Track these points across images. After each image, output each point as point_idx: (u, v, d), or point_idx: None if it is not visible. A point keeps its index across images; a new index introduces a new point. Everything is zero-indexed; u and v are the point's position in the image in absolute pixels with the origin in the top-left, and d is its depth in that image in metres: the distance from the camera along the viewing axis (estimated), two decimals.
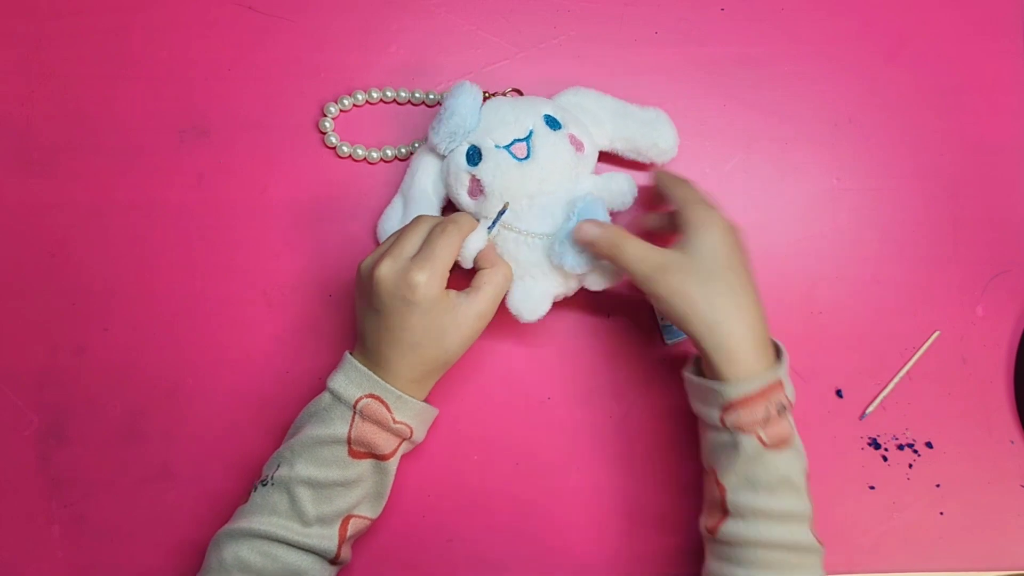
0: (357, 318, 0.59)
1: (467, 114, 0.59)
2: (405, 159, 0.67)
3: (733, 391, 0.53)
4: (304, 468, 0.55)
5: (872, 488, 0.68)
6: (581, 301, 0.67)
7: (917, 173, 0.71)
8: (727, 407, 0.53)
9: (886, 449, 0.68)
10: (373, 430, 0.56)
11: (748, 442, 0.53)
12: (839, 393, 0.68)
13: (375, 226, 0.65)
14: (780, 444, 0.53)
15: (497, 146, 0.59)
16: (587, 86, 0.69)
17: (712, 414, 0.54)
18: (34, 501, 0.65)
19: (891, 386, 0.68)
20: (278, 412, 0.65)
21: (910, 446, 0.68)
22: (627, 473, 0.66)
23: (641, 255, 0.55)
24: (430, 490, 0.66)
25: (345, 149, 0.67)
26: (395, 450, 0.57)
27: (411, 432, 0.57)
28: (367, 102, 0.68)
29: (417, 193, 0.62)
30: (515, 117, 0.60)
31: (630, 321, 0.68)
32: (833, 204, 0.70)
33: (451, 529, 0.65)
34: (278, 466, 0.56)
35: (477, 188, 0.60)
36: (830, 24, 0.71)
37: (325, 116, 0.67)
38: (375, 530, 0.63)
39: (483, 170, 0.59)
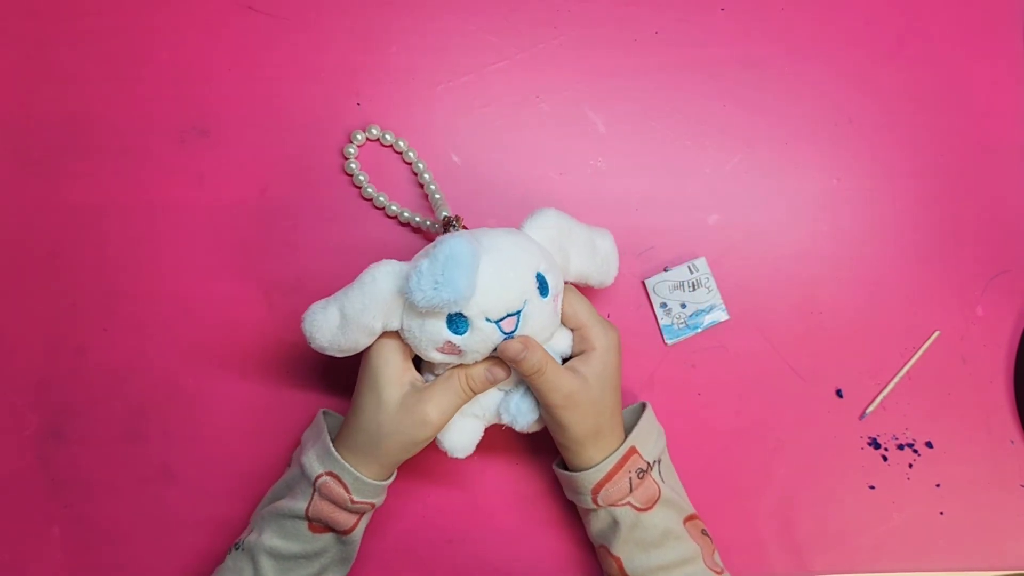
0: (358, 386, 0.57)
1: (466, 290, 0.50)
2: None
3: (595, 475, 0.57)
4: (269, 538, 0.56)
5: (872, 488, 0.68)
6: None
7: (917, 173, 0.71)
8: (595, 490, 0.58)
9: (886, 449, 0.68)
10: (330, 509, 0.56)
11: (624, 513, 0.58)
12: (839, 393, 0.68)
13: (375, 227, 0.65)
14: (651, 503, 0.58)
15: (488, 320, 0.52)
16: (587, 86, 0.69)
17: (586, 499, 0.59)
18: (34, 501, 0.65)
19: (891, 386, 0.68)
20: (278, 412, 0.65)
21: (910, 446, 0.68)
22: None
23: (555, 384, 0.55)
24: (430, 491, 0.66)
25: (370, 191, 0.66)
26: (355, 524, 0.57)
27: (372, 507, 0.58)
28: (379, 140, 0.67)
29: (363, 325, 0.53)
30: (511, 287, 0.52)
31: (630, 321, 0.68)
32: (833, 204, 0.70)
33: (451, 530, 0.65)
34: (250, 531, 0.58)
35: (453, 350, 0.53)
36: (830, 24, 0.71)
37: (351, 142, 0.66)
38: (376, 532, 0.63)
39: (468, 342, 0.53)
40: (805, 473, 0.67)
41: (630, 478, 0.57)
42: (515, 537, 0.66)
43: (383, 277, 0.53)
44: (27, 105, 0.67)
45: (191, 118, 0.68)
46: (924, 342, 0.69)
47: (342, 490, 0.55)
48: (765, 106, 0.70)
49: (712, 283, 0.68)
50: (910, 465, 0.68)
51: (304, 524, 0.56)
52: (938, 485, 0.68)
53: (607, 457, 0.57)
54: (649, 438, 0.60)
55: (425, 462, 0.65)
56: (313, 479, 0.56)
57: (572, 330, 0.58)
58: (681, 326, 0.68)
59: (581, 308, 0.57)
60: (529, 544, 0.66)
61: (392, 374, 0.55)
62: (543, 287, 0.54)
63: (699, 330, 0.68)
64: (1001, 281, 0.70)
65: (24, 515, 0.64)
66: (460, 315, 0.52)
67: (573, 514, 0.66)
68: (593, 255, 0.59)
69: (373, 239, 0.66)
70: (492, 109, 0.69)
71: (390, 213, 0.66)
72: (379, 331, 0.54)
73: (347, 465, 0.55)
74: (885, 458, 0.68)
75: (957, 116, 0.71)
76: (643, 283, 0.68)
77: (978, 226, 0.70)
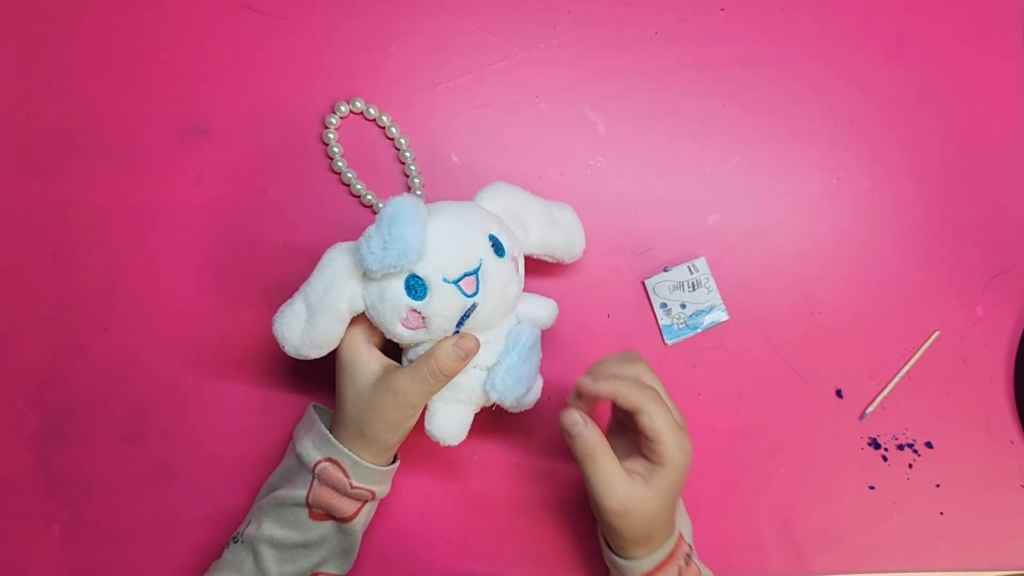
0: (337, 384, 0.57)
1: (415, 244, 0.50)
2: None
3: (647, 563, 0.55)
4: (269, 528, 0.56)
5: (872, 488, 0.68)
6: (581, 301, 0.67)
7: (917, 173, 0.71)
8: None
9: (886, 449, 0.68)
10: (330, 495, 0.56)
11: None
12: (839, 393, 0.68)
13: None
14: None
15: (445, 280, 0.52)
16: (587, 86, 0.69)
17: None
18: (34, 501, 0.65)
19: (891, 386, 0.68)
20: (278, 412, 0.65)
21: (910, 446, 0.68)
22: None
23: (611, 483, 0.53)
24: (430, 490, 0.66)
25: (350, 175, 0.67)
26: (356, 512, 0.57)
27: (372, 495, 0.57)
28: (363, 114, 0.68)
29: (327, 309, 0.53)
30: (464, 245, 0.52)
31: (630, 321, 0.68)
32: (833, 204, 0.70)
33: (451, 530, 0.65)
34: (248, 523, 0.58)
35: (418, 321, 0.53)
36: (830, 24, 0.71)
37: (327, 128, 0.67)
38: (375, 531, 0.63)
39: (429, 306, 0.52)
40: (805, 473, 0.67)
41: (679, 566, 0.56)
42: (515, 537, 0.66)
43: (338, 256, 0.53)
44: (27, 105, 0.67)
45: (191, 118, 0.68)
46: (924, 342, 0.69)
47: (341, 475, 0.56)
48: (765, 106, 0.70)
49: (712, 283, 0.68)
50: (910, 465, 0.68)
51: (304, 512, 0.56)
52: (938, 485, 0.68)
53: (659, 549, 0.55)
54: (685, 518, 0.60)
55: (424, 462, 0.65)
56: (312, 465, 0.56)
57: (650, 441, 0.53)
58: (681, 326, 0.68)
59: (663, 422, 0.52)
60: (529, 544, 0.66)
61: (362, 360, 0.55)
62: (498, 247, 0.54)
63: (699, 330, 0.68)
64: (1001, 281, 0.70)
65: (24, 515, 0.64)
66: (417, 278, 0.51)
67: (573, 514, 0.66)
68: (552, 225, 0.60)
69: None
70: (492, 109, 0.69)
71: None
72: (346, 314, 0.54)
73: (345, 449, 0.55)
74: (885, 458, 0.68)
75: (957, 116, 0.71)
76: (643, 283, 0.68)
77: (978, 226, 0.70)
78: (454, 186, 0.67)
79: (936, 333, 0.69)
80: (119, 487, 0.65)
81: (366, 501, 0.58)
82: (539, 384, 0.61)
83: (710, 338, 0.68)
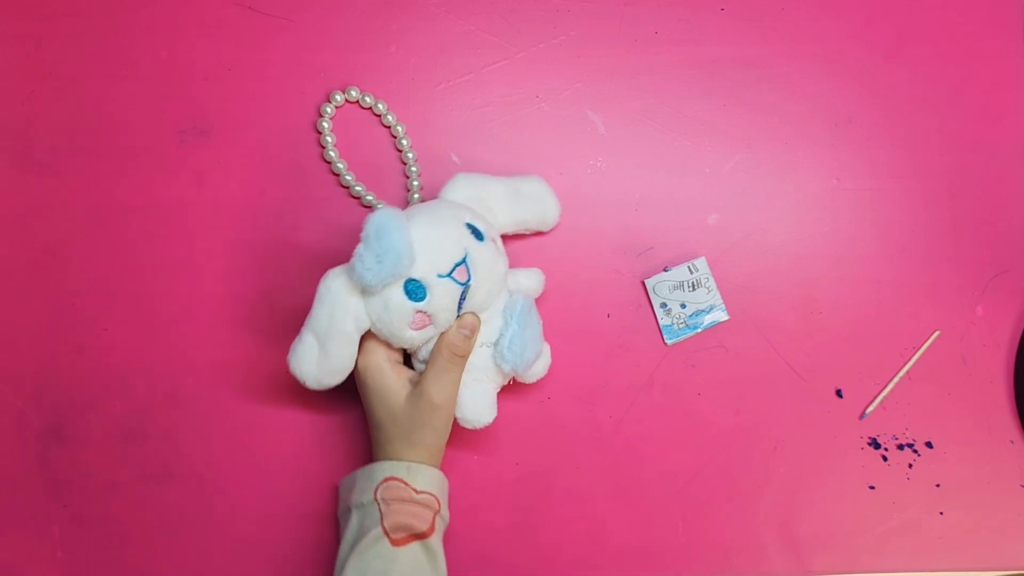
0: (367, 409, 0.60)
1: (406, 251, 0.53)
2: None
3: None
4: None
5: (872, 488, 0.68)
6: (581, 301, 0.67)
7: (917, 173, 0.71)
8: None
9: (886, 449, 0.68)
10: (400, 508, 0.56)
11: None
12: (839, 393, 0.68)
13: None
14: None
15: (440, 275, 0.55)
16: (586, 86, 0.69)
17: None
18: (34, 501, 0.65)
19: (891, 386, 0.68)
20: (277, 412, 0.65)
21: (910, 446, 0.68)
22: (627, 473, 0.66)
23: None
24: None
25: (348, 179, 0.67)
26: (432, 524, 0.57)
27: (438, 502, 0.58)
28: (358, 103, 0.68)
29: (336, 333, 0.55)
30: (448, 240, 0.55)
31: (630, 321, 0.68)
32: (833, 204, 0.70)
33: (451, 529, 0.65)
34: None
35: (424, 320, 0.56)
36: (830, 24, 0.71)
37: (322, 126, 0.67)
38: None
39: (432, 304, 0.55)
40: (805, 473, 0.67)
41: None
42: (515, 536, 0.66)
43: (334, 280, 0.55)
44: (27, 105, 0.67)
45: (191, 118, 0.68)
46: (924, 342, 0.69)
47: (401, 484, 0.56)
48: (765, 106, 0.70)
49: (712, 283, 0.68)
50: (910, 465, 0.68)
51: (385, 542, 0.55)
52: (938, 485, 0.68)
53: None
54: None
55: None
56: (373, 494, 0.56)
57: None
58: (681, 326, 0.68)
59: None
60: (529, 543, 0.66)
61: (388, 381, 0.58)
62: (476, 233, 0.57)
63: (699, 330, 0.68)
64: (1001, 281, 0.70)
65: (24, 515, 0.64)
66: (414, 281, 0.54)
67: (573, 514, 0.66)
68: (516, 200, 0.63)
69: None
70: (492, 109, 0.69)
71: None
72: (355, 334, 0.56)
73: (393, 460, 0.56)
74: (885, 458, 0.68)
75: (957, 116, 0.71)
76: (643, 283, 0.68)
77: (978, 226, 0.70)
78: None
79: (936, 333, 0.69)
80: (119, 487, 0.65)
81: (436, 512, 0.57)
82: (547, 352, 0.64)
83: (710, 338, 0.68)
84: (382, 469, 0.57)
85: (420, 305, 0.55)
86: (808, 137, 0.70)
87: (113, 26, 0.68)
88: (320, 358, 0.56)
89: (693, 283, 0.68)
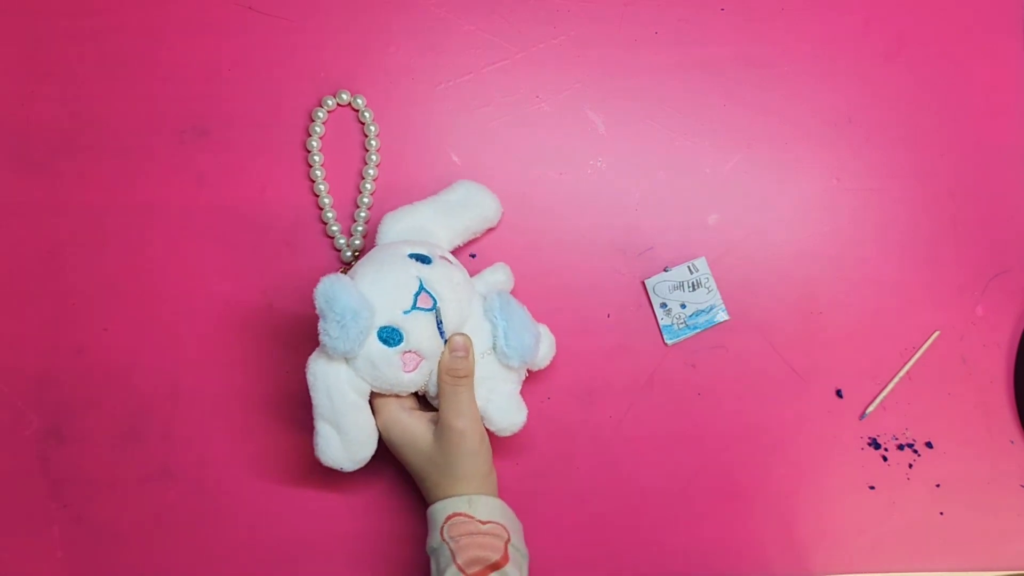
0: (405, 464, 0.60)
1: (361, 305, 0.54)
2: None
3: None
4: None
5: (872, 488, 0.68)
6: (581, 301, 0.67)
7: (917, 173, 0.71)
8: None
9: (886, 449, 0.68)
10: (470, 542, 0.55)
11: None
12: (839, 393, 0.68)
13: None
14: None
15: (405, 312, 0.55)
16: (586, 86, 0.69)
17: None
18: (34, 501, 0.65)
19: (891, 386, 0.68)
20: (278, 412, 0.65)
21: (910, 446, 0.68)
22: (627, 473, 0.66)
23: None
24: None
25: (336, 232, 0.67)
26: (504, 553, 0.56)
27: (507, 533, 0.57)
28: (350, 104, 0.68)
29: (344, 409, 0.56)
30: (396, 276, 0.56)
31: (630, 321, 0.68)
32: (833, 204, 0.70)
33: None
34: None
35: (415, 360, 0.57)
36: (830, 24, 0.71)
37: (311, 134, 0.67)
38: (375, 531, 0.63)
39: (412, 341, 0.56)
40: (805, 473, 0.67)
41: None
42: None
43: (315, 363, 0.56)
44: (27, 105, 0.67)
45: (191, 118, 0.68)
46: (924, 342, 0.69)
47: (464, 519, 0.56)
48: (765, 106, 0.70)
49: (712, 283, 0.68)
50: (910, 465, 0.68)
51: None
52: (938, 485, 0.68)
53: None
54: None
55: None
56: (440, 535, 0.56)
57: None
58: (681, 326, 0.68)
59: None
60: (529, 543, 0.66)
61: (410, 429, 0.58)
62: (421, 259, 0.57)
63: (699, 330, 0.68)
64: (1001, 281, 0.70)
65: (24, 515, 0.64)
66: (384, 328, 0.55)
67: (573, 513, 0.66)
68: (450, 214, 0.63)
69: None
70: (492, 109, 0.69)
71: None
72: (360, 401, 0.57)
73: (451, 497, 0.56)
74: (885, 458, 0.68)
75: (957, 116, 0.71)
76: (643, 283, 0.68)
77: (978, 226, 0.70)
78: None
79: (936, 333, 0.69)
80: (119, 487, 0.65)
81: (506, 541, 0.56)
82: (547, 334, 0.63)
83: (710, 338, 0.68)
84: (443, 508, 0.57)
85: (401, 347, 0.55)
86: (808, 137, 0.70)
87: (113, 26, 0.68)
88: (342, 440, 0.57)
89: (693, 283, 0.68)
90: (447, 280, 0.57)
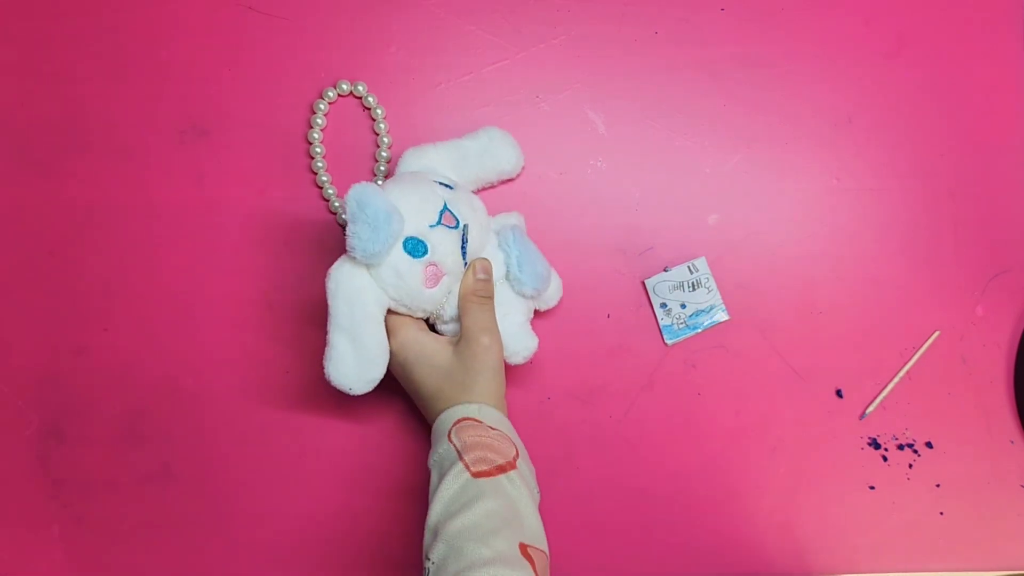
0: (416, 385, 0.59)
1: (394, 211, 0.54)
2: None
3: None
4: (453, 523, 0.50)
5: (872, 488, 0.68)
6: (581, 301, 0.67)
7: (917, 173, 0.71)
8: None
9: (886, 449, 0.68)
10: (477, 442, 0.54)
11: None
12: (839, 393, 0.68)
13: None
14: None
15: (431, 225, 0.57)
16: (586, 86, 0.69)
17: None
18: (34, 501, 0.65)
19: (891, 386, 0.68)
20: (278, 412, 0.65)
21: (910, 446, 0.68)
22: (627, 473, 0.66)
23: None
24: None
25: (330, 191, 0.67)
26: (513, 460, 0.54)
27: (515, 448, 0.55)
28: (351, 93, 0.68)
29: (362, 319, 0.55)
30: (424, 194, 0.57)
31: (630, 321, 0.68)
32: (833, 204, 0.70)
33: None
34: (430, 548, 0.50)
35: (436, 275, 0.57)
36: (830, 24, 0.71)
37: (312, 140, 0.67)
38: (375, 532, 0.63)
39: (436, 253, 0.56)
40: (805, 473, 0.67)
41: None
42: None
43: (338, 271, 0.56)
44: (27, 105, 0.67)
45: (191, 118, 0.68)
46: (924, 342, 0.69)
47: (474, 423, 0.55)
48: (765, 106, 0.70)
49: (712, 283, 0.68)
50: (910, 465, 0.68)
51: (467, 475, 0.52)
52: (938, 485, 0.68)
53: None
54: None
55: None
56: (446, 440, 0.54)
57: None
58: (681, 326, 0.68)
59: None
60: None
61: (429, 346, 0.58)
62: (446, 185, 0.60)
63: (699, 330, 0.68)
64: (1001, 281, 0.70)
65: (24, 515, 0.64)
66: (410, 238, 0.56)
67: (573, 513, 0.66)
68: (464, 162, 0.64)
69: None
70: (492, 109, 0.69)
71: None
72: (379, 314, 0.57)
73: (461, 404, 0.56)
74: (885, 458, 0.68)
75: (957, 116, 0.71)
76: (643, 283, 0.68)
77: (978, 226, 0.70)
78: None
79: (936, 333, 0.69)
80: (119, 487, 0.65)
81: (515, 455, 0.54)
82: (555, 277, 0.65)
83: (710, 338, 0.68)
84: (453, 414, 0.56)
85: (426, 259, 0.56)
86: (808, 137, 0.70)
87: (113, 26, 0.68)
88: (356, 353, 0.56)
89: (693, 283, 0.68)
90: (470, 208, 0.60)
